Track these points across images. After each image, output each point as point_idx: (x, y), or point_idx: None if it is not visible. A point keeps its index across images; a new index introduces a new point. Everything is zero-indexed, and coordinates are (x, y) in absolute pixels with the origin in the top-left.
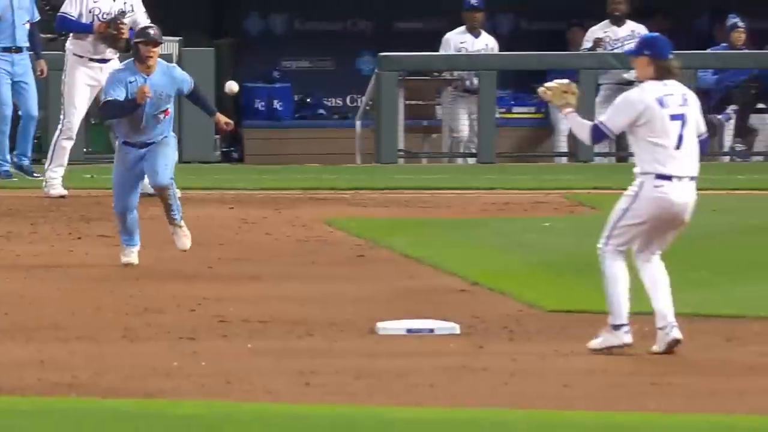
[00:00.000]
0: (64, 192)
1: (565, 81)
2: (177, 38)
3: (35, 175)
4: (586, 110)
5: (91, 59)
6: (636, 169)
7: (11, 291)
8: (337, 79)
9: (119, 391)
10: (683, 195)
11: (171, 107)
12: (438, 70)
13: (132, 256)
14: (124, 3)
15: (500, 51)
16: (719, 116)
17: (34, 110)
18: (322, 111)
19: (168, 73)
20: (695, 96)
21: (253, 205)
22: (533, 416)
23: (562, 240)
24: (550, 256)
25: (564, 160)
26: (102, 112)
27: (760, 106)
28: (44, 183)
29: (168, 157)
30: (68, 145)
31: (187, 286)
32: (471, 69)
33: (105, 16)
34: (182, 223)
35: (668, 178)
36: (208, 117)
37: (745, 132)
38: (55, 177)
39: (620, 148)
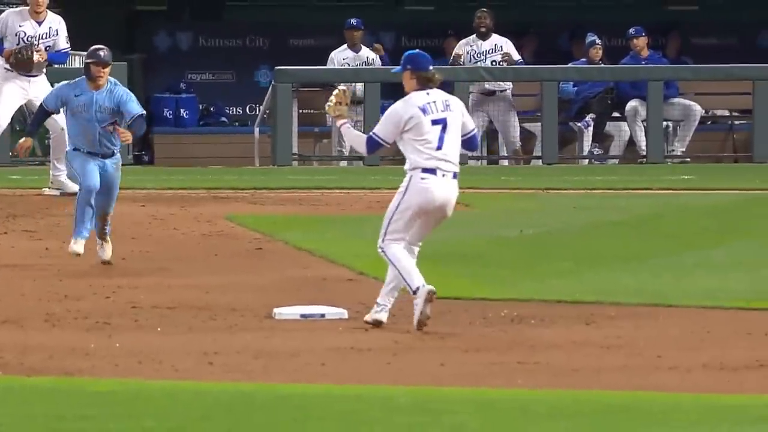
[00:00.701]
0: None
1: (342, 87)
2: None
3: None
4: None
5: (19, 73)
6: (406, 167)
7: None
8: (237, 90)
9: (41, 370)
10: (445, 189)
11: (120, 123)
12: (328, 82)
13: (81, 246)
14: (49, 27)
15: (384, 65)
16: (579, 123)
17: None
18: (224, 119)
19: (111, 90)
20: (458, 101)
21: (162, 203)
22: (413, 392)
23: (438, 233)
24: (428, 247)
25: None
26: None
27: (615, 114)
28: None
29: (118, 188)
30: None
31: (102, 276)
32: (357, 81)
33: (29, 38)
34: (109, 238)
35: (432, 171)
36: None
37: (602, 138)
38: None
39: (490, 152)
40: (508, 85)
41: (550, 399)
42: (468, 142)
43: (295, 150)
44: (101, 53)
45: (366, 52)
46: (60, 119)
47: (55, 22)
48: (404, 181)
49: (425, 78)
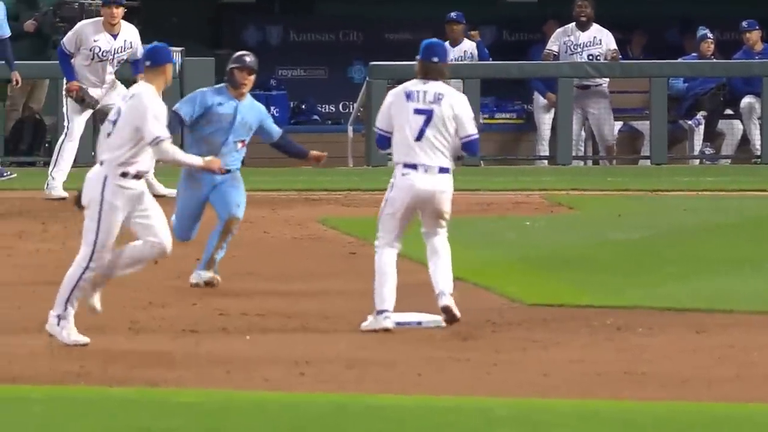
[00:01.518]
0: (65, 194)
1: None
2: (180, 48)
3: (6, 174)
4: (564, 116)
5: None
6: (393, 160)
7: (24, 286)
8: (330, 87)
9: (125, 380)
10: (427, 183)
11: (247, 140)
12: None
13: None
14: (124, 41)
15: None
16: (689, 121)
17: None
18: (316, 117)
19: (255, 106)
20: (460, 100)
21: (251, 206)
22: (513, 404)
23: (541, 238)
24: (531, 252)
25: (544, 163)
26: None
27: (728, 112)
28: (46, 185)
29: (243, 194)
30: (72, 148)
31: (187, 282)
32: (456, 77)
33: (104, 54)
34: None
35: (413, 167)
36: None
37: (713, 136)
38: (56, 179)
39: (595, 152)
40: (604, 80)
41: (657, 411)
42: (466, 147)
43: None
44: (247, 58)
45: (465, 46)
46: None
47: (130, 34)
48: (393, 176)
49: (425, 67)
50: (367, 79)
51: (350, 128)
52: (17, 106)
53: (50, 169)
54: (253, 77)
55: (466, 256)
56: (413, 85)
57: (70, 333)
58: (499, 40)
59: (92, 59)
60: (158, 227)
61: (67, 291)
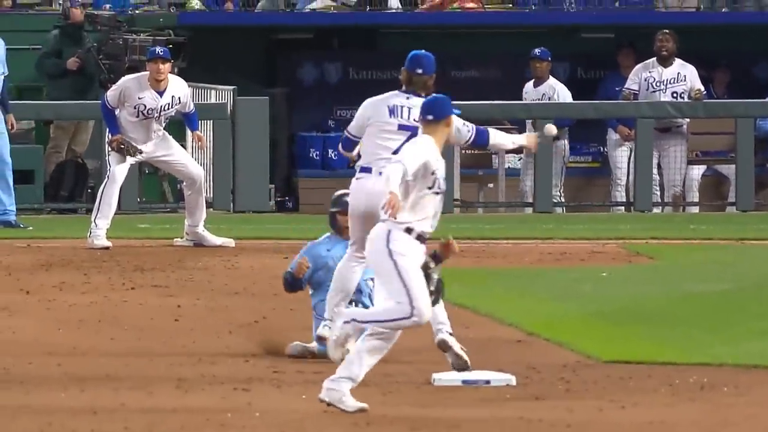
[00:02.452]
0: (108, 243)
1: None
2: (231, 87)
3: (22, 226)
4: (643, 159)
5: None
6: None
7: (64, 341)
8: None
9: None
10: (379, 184)
11: None
12: (494, 118)
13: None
14: (171, 97)
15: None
16: None
17: (7, 156)
18: None
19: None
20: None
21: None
22: None
23: (619, 290)
24: (608, 306)
25: (621, 209)
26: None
27: None
28: (89, 232)
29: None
30: (114, 194)
31: (240, 336)
32: (527, 118)
33: (150, 111)
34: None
35: (368, 170)
36: (262, 167)
37: None
38: (99, 227)
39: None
40: (684, 120)
41: None
42: (478, 141)
43: (456, 195)
44: (344, 198)
45: (550, 83)
46: (197, 168)
47: (177, 90)
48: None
49: (409, 78)
50: None
51: None
52: (60, 148)
53: (93, 216)
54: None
55: (539, 310)
56: (396, 98)
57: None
58: (573, 77)
59: (137, 116)
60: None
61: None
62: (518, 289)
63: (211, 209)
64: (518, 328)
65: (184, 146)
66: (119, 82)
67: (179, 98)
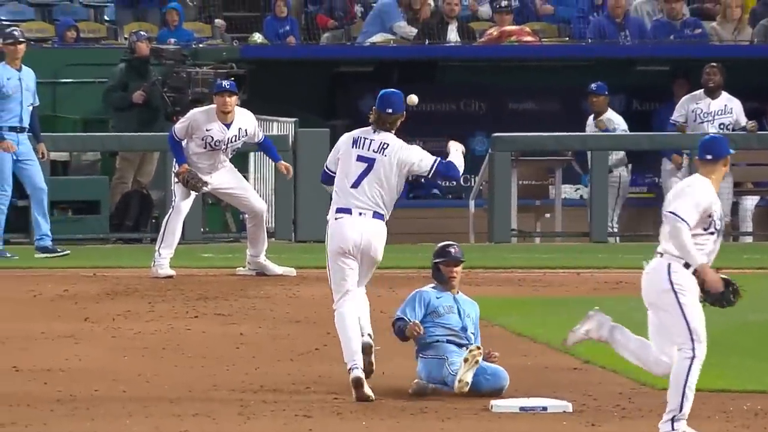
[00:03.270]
0: (172, 272)
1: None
2: (293, 119)
3: (59, 251)
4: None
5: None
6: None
7: (129, 368)
8: None
9: None
10: (360, 227)
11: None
12: (550, 149)
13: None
14: (239, 129)
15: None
16: None
17: (41, 182)
18: (436, 191)
19: (470, 302)
20: (408, 152)
21: (368, 284)
22: None
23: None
24: None
25: None
26: (393, 329)
27: None
28: (153, 262)
29: None
30: (178, 224)
31: (302, 364)
32: (583, 149)
33: (217, 143)
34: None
35: (347, 211)
36: (323, 197)
37: None
38: (163, 256)
39: (734, 227)
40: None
41: None
42: (442, 174)
43: (514, 225)
44: (452, 250)
45: (609, 116)
46: (260, 202)
47: (244, 122)
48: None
49: (379, 117)
50: (490, 151)
51: (472, 203)
52: (126, 179)
53: (157, 245)
54: (459, 268)
55: None
56: (363, 132)
57: None
58: (629, 109)
59: (204, 148)
60: None
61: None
62: (574, 318)
63: (273, 239)
64: (574, 356)
65: (246, 178)
66: (188, 115)
67: (245, 130)
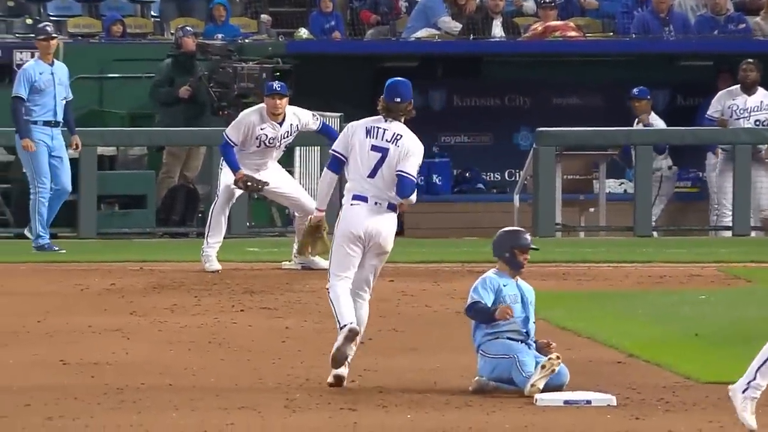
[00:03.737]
0: (218, 267)
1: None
2: (338, 114)
3: (56, 249)
4: (741, 183)
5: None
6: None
7: (175, 362)
8: (495, 154)
9: None
10: (375, 216)
11: None
12: (594, 144)
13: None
14: (290, 125)
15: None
16: None
17: (68, 184)
18: (480, 185)
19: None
20: (415, 144)
21: (412, 278)
22: None
23: (718, 312)
24: (706, 328)
25: (721, 233)
26: (469, 313)
27: None
28: (201, 252)
29: None
30: (223, 217)
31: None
32: (628, 143)
33: (271, 141)
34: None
35: (363, 198)
36: None
37: None
38: (212, 246)
39: (763, 220)
40: (763, 146)
41: None
42: (400, 183)
43: (558, 220)
44: (525, 235)
45: (651, 119)
46: (310, 201)
47: (295, 118)
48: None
49: (387, 107)
50: (534, 146)
51: (516, 197)
52: (172, 173)
53: (205, 238)
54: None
55: (639, 332)
56: (375, 121)
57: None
58: (673, 104)
59: (259, 146)
60: None
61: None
62: (618, 312)
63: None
64: (618, 349)
65: (291, 173)
66: (239, 118)
67: (297, 126)
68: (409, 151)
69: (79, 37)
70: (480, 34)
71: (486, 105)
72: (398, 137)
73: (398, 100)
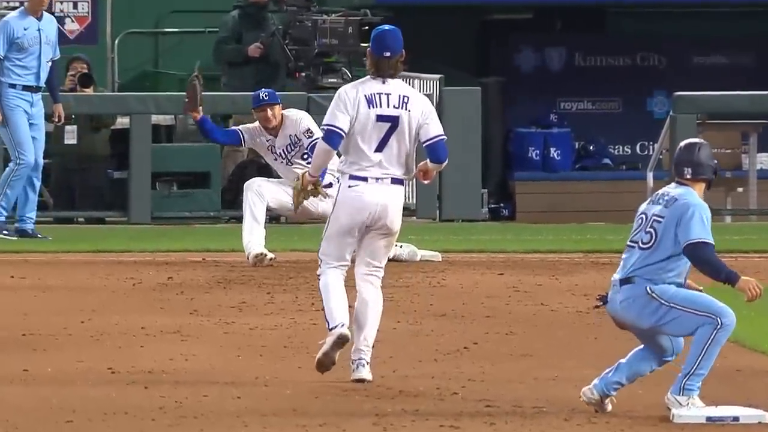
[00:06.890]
0: (264, 251)
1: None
2: (438, 76)
3: (39, 236)
4: None
5: None
6: (338, 166)
7: (244, 370)
8: (624, 124)
9: None
10: (379, 194)
11: None
12: (743, 113)
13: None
14: (288, 136)
15: None
16: None
17: (40, 158)
18: (607, 160)
19: None
20: (424, 101)
21: (526, 271)
22: None
23: None
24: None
25: None
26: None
27: None
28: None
29: None
30: (261, 204)
31: (448, 365)
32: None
33: (279, 157)
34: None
35: (363, 179)
36: (473, 168)
37: None
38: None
39: None
40: None
41: None
42: (431, 150)
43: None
44: None
45: None
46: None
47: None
48: (336, 187)
49: (377, 63)
50: (671, 113)
51: (650, 174)
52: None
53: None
54: None
55: None
56: (370, 87)
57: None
58: None
59: (275, 159)
60: None
61: None
62: None
63: (414, 218)
64: None
65: None
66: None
67: (296, 135)
68: (424, 111)
69: None
70: None
71: (613, 65)
72: (405, 100)
73: (388, 54)
